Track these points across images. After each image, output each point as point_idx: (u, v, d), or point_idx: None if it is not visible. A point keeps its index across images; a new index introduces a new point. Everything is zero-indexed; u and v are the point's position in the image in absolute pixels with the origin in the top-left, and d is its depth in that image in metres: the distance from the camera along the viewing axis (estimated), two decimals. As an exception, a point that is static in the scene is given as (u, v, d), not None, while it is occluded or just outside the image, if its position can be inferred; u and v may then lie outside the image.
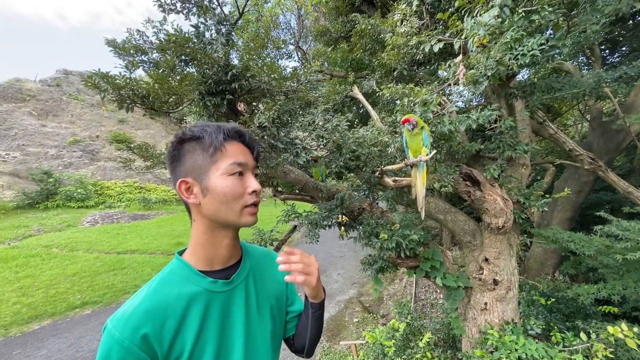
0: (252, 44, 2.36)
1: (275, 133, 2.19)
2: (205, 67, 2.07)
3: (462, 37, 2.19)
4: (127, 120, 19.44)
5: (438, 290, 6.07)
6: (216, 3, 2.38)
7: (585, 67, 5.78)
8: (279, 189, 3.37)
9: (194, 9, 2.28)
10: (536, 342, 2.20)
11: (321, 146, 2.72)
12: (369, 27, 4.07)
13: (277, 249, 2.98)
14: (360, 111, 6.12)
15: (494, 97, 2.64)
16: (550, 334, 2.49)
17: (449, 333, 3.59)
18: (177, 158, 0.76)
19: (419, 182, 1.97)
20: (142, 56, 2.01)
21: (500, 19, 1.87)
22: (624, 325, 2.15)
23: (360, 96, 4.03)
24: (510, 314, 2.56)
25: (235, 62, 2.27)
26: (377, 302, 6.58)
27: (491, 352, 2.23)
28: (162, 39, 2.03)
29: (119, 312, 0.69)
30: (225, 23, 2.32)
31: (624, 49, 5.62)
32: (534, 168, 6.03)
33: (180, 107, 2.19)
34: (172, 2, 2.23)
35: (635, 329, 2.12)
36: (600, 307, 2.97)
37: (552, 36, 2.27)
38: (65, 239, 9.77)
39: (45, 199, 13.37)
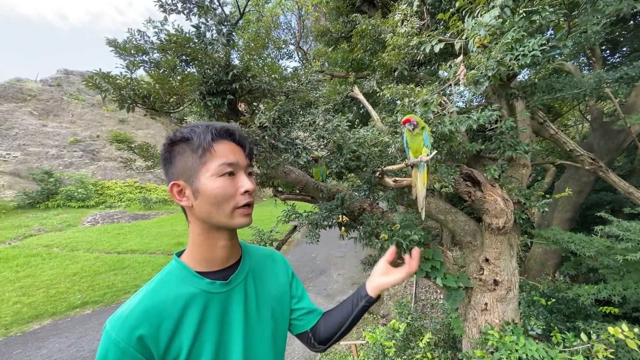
0: (252, 44, 2.36)
1: (276, 133, 2.19)
2: (206, 67, 2.07)
3: (463, 37, 2.19)
4: (128, 120, 19.47)
5: (438, 291, 6.07)
6: (217, 3, 2.38)
7: (586, 68, 5.77)
8: (280, 189, 3.37)
9: (195, 9, 2.28)
10: (537, 343, 2.20)
11: (322, 146, 2.72)
12: (370, 28, 4.07)
13: (277, 249, 2.98)
14: (361, 111, 6.12)
15: (495, 98, 2.64)
16: (551, 334, 2.49)
17: (449, 333, 3.58)
18: (168, 160, 0.75)
19: (420, 183, 1.97)
20: (143, 56, 2.01)
21: (501, 20, 1.87)
22: (624, 326, 2.15)
23: (360, 96, 4.03)
24: (510, 315, 2.56)
25: (236, 62, 2.27)
26: (377, 302, 6.58)
27: (491, 353, 2.22)
28: (163, 39, 2.03)
29: (117, 313, 0.69)
30: (226, 23, 2.33)
31: (624, 49, 5.62)
32: (534, 168, 6.03)
33: (181, 107, 2.19)
34: (173, 2, 2.24)
35: (636, 330, 2.12)
36: (601, 307, 2.97)
37: (552, 36, 2.28)
38: (66, 239, 9.78)
39: (46, 199, 13.39)
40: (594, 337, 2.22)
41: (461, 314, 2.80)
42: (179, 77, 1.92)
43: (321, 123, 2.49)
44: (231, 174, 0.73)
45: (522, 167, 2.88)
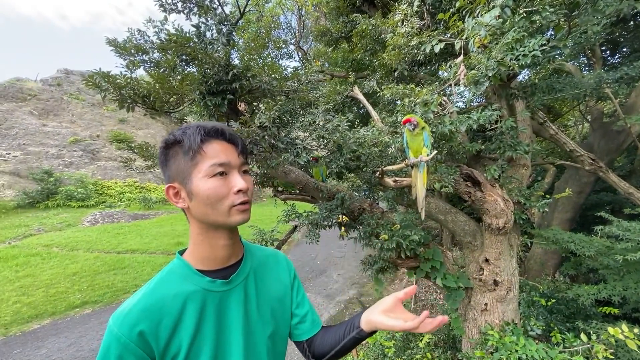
0: (252, 44, 2.36)
1: (276, 133, 2.19)
2: (206, 66, 2.07)
3: (463, 37, 2.19)
4: (128, 119, 19.46)
5: (438, 291, 6.07)
6: (217, 3, 2.38)
7: (586, 68, 5.77)
8: (280, 188, 3.36)
9: (195, 9, 2.28)
10: (536, 343, 2.20)
11: (322, 146, 2.72)
12: (370, 28, 4.07)
13: (277, 248, 2.98)
14: (361, 111, 6.11)
15: (495, 98, 2.64)
16: (551, 334, 2.49)
17: (449, 334, 3.58)
18: (164, 163, 0.76)
19: (420, 183, 1.97)
20: (143, 56, 2.01)
21: (501, 20, 1.87)
22: (624, 326, 2.15)
23: (360, 96, 4.03)
24: (510, 315, 2.56)
25: (236, 62, 2.27)
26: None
27: (491, 353, 2.22)
28: (163, 39, 2.03)
29: (120, 308, 0.70)
30: (226, 23, 2.32)
31: (624, 49, 5.62)
32: (534, 169, 6.03)
33: (181, 107, 2.19)
34: (173, 2, 2.23)
35: (636, 330, 2.12)
36: (601, 308, 2.97)
37: (553, 37, 2.28)
38: (66, 239, 9.78)
39: (46, 199, 13.39)
40: (593, 337, 2.21)
41: (461, 314, 2.80)
42: (179, 77, 1.92)
43: (321, 123, 2.49)
44: (223, 173, 0.73)
45: (522, 167, 2.88)
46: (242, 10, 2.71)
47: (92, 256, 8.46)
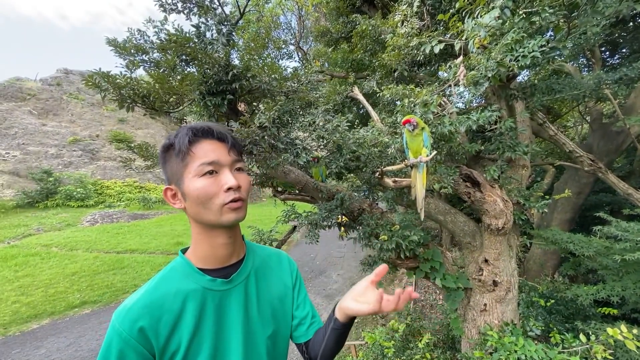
0: (252, 44, 2.36)
1: (276, 133, 2.19)
2: (205, 67, 2.07)
3: (463, 38, 2.20)
4: (127, 119, 19.45)
5: (438, 291, 6.07)
6: (217, 3, 2.38)
7: (586, 69, 5.78)
8: (279, 189, 3.36)
9: (195, 9, 2.27)
10: (535, 344, 2.20)
11: (321, 146, 2.72)
12: (370, 28, 4.07)
13: (277, 248, 2.97)
14: (361, 112, 6.12)
15: (494, 98, 2.65)
16: (550, 335, 2.49)
17: (448, 334, 3.59)
18: (163, 166, 0.79)
19: (419, 183, 1.97)
20: (143, 56, 2.01)
21: (500, 20, 1.87)
22: (623, 327, 2.15)
23: (360, 97, 4.03)
24: (509, 315, 2.56)
25: (236, 62, 2.27)
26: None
27: (490, 354, 2.22)
28: (162, 39, 2.03)
29: (122, 305, 0.72)
30: (226, 23, 2.32)
31: (624, 50, 5.63)
32: (534, 169, 6.03)
33: (181, 107, 2.19)
34: (173, 2, 2.23)
35: (635, 331, 2.12)
36: (600, 308, 2.97)
37: (552, 38, 2.28)
38: (65, 238, 9.77)
39: (45, 198, 13.37)
40: (592, 338, 2.22)
41: (460, 314, 2.80)
42: (178, 77, 1.92)
43: (321, 123, 2.49)
44: (213, 172, 0.73)
45: (521, 168, 2.89)
46: (242, 10, 2.71)
47: (91, 256, 8.45)
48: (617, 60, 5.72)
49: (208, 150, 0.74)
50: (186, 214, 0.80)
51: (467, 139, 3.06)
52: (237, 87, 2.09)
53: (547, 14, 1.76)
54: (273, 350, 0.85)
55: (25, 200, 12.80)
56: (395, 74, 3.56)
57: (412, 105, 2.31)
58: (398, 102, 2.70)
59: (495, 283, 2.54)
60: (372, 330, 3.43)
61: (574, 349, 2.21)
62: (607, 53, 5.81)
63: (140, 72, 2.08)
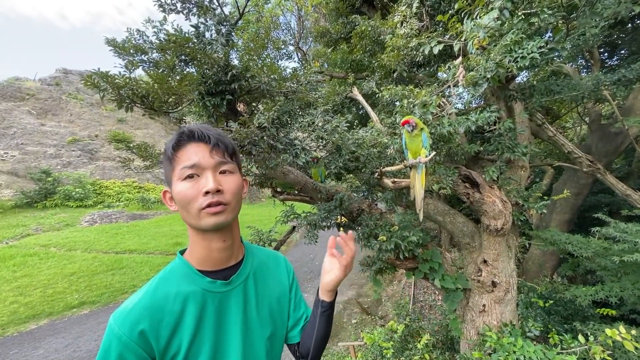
0: (252, 45, 2.36)
1: (275, 133, 2.19)
2: (205, 67, 2.07)
3: (462, 39, 2.20)
4: (127, 119, 19.41)
5: (437, 292, 6.07)
6: (216, 3, 2.38)
7: (584, 70, 5.80)
8: (278, 189, 3.36)
9: (194, 9, 2.27)
10: (534, 344, 2.20)
11: (321, 147, 2.72)
12: (369, 29, 4.08)
13: (276, 249, 2.98)
14: (360, 112, 6.12)
15: (494, 99, 2.65)
16: (549, 336, 2.49)
17: (447, 335, 3.59)
18: (164, 170, 0.81)
19: (418, 184, 1.97)
20: (142, 56, 2.01)
21: (499, 22, 1.88)
22: (621, 328, 2.15)
23: (360, 97, 4.04)
24: (508, 316, 2.56)
25: (235, 62, 2.27)
26: (376, 303, 6.58)
27: (489, 354, 2.22)
28: (162, 39, 2.02)
29: (121, 307, 0.71)
30: (225, 23, 2.32)
31: (622, 52, 5.64)
32: (532, 170, 6.04)
33: (180, 107, 2.18)
34: (173, 2, 2.23)
35: (633, 331, 2.12)
36: (598, 309, 2.97)
37: (551, 39, 2.28)
38: (64, 239, 9.74)
39: (44, 198, 13.33)
40: (591, 338, 2.22)
41: (459, 315, 2.80)
42: (177, 77, 1.92)
43: (320, 124, 2.49)
44: (193, 175, 0.72)
45: (520, 169, 2.89)
46: (241, 10, 2.71)
47: (90, 256, 8.43)
48: (616, 62, 5.73)
49: (191, 154, 0.73)
50: None
51: (466, 139, 3.07)
52: (236, 87, 2.09)
53: (546, 15, 1.76)
54: (271, 351, 0.85)
55: (24, 200, 12.76)
56: (395, 74, 3.57)
57: (412, 105, 2.31)
58: (397, 103, 2.70)
59: (494, 284, 2.54)
60: (371, 331, 3.43)
61: (573, 349, 2.21)
62: (606, 54, 5.83)
63: (139, 72, 2.08)
